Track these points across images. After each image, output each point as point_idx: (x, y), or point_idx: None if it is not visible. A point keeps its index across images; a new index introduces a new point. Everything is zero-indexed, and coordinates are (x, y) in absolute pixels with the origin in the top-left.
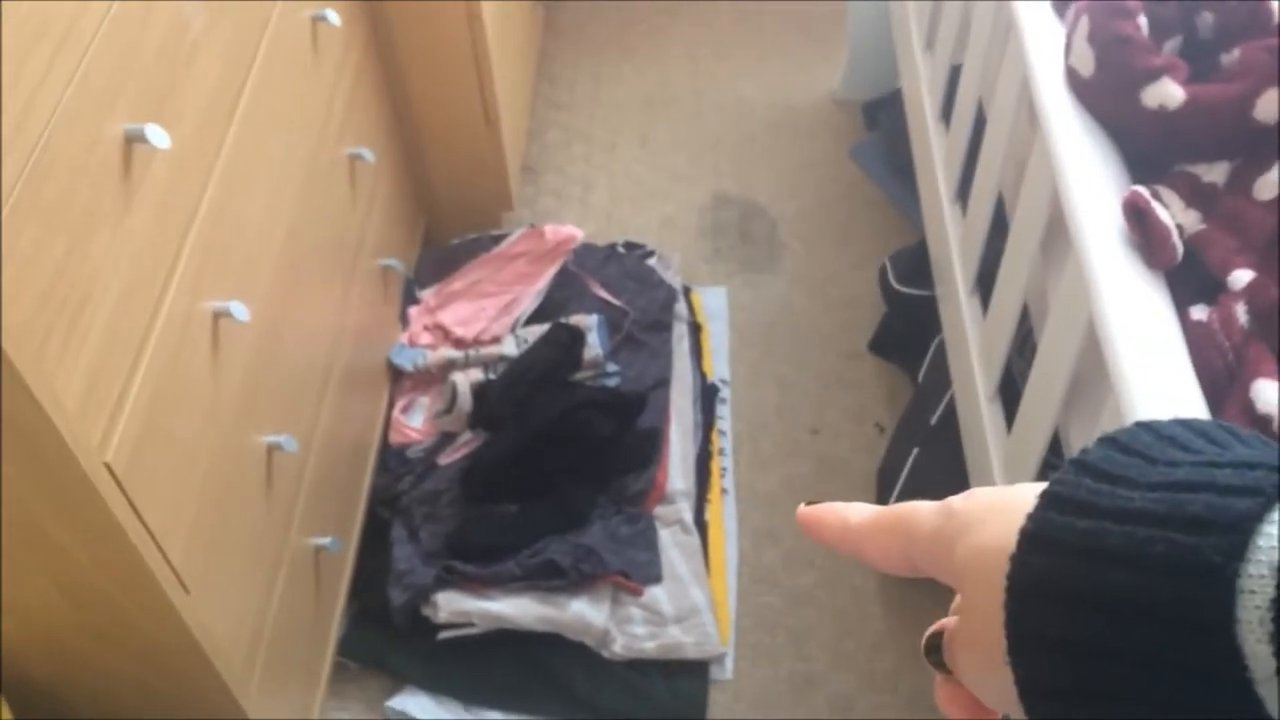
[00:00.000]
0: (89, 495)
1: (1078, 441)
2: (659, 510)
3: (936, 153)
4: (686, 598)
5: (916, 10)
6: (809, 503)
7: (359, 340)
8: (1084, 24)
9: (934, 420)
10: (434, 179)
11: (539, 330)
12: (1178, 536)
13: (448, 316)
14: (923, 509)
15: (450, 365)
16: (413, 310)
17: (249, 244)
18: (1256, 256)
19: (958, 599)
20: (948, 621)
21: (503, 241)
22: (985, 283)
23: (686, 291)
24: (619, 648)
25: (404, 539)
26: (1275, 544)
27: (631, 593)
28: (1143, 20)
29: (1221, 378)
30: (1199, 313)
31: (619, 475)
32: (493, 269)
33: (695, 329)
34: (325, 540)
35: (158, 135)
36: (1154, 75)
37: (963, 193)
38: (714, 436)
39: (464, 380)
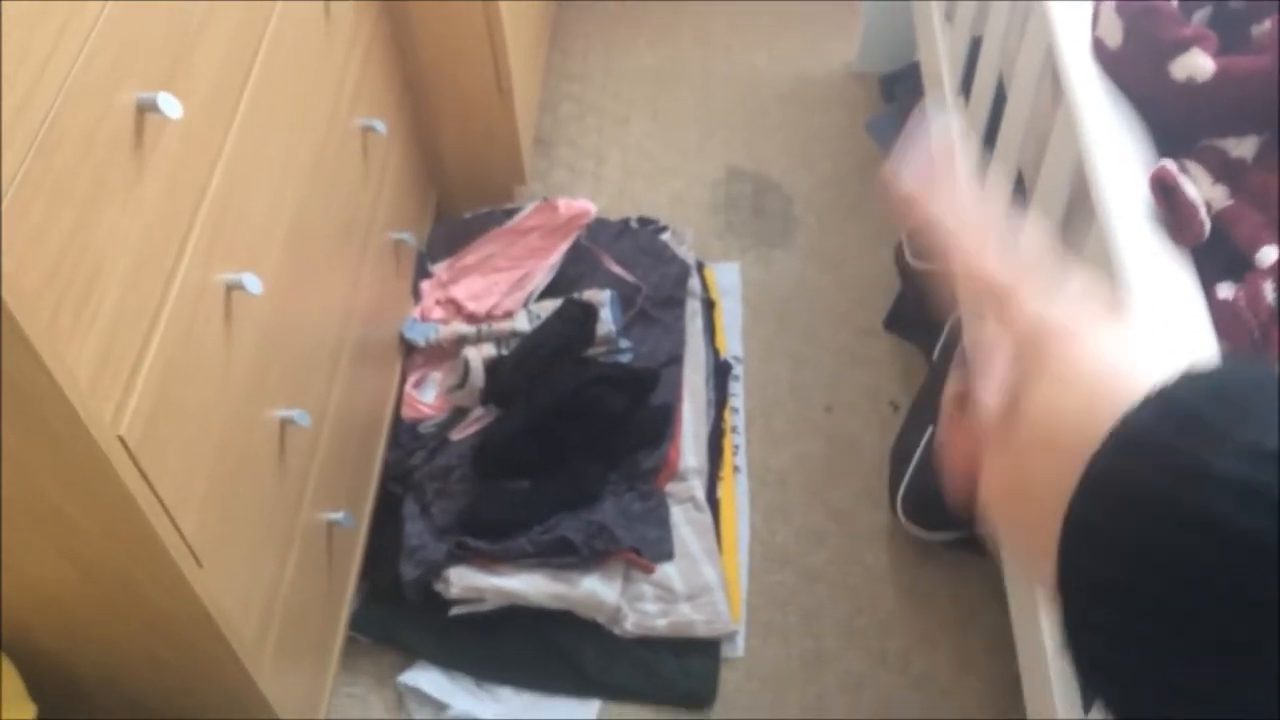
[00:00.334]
0: (102, 468)
1: None
2: (671, 487)
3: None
4: (698, 575)
5: None
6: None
7: (371, 314)
8: None
9: None
10: (446, 152)
11: (552, 305)
12: (1255, 519)
13: (460, 291)
14: (1028, 297)
15: (462, 340)
16: (425, 284)
17: (261, 217)
18: None
19: (1001, 360)
20: (977, 388)
21: (515, 215)
22: None
23: (700, 267)
24: (630, 625)
25: (416, 515)
26: None
27: (643, 570)
28: None
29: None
30: (1225, 290)
31: (631, 452)
32: (505, 243)
33: (708, 305)
34: (338, 515)
35: (170, 104)
36: (1183, 46)
37: (982, 168)
38: (726, 414)
39: (476, 355)
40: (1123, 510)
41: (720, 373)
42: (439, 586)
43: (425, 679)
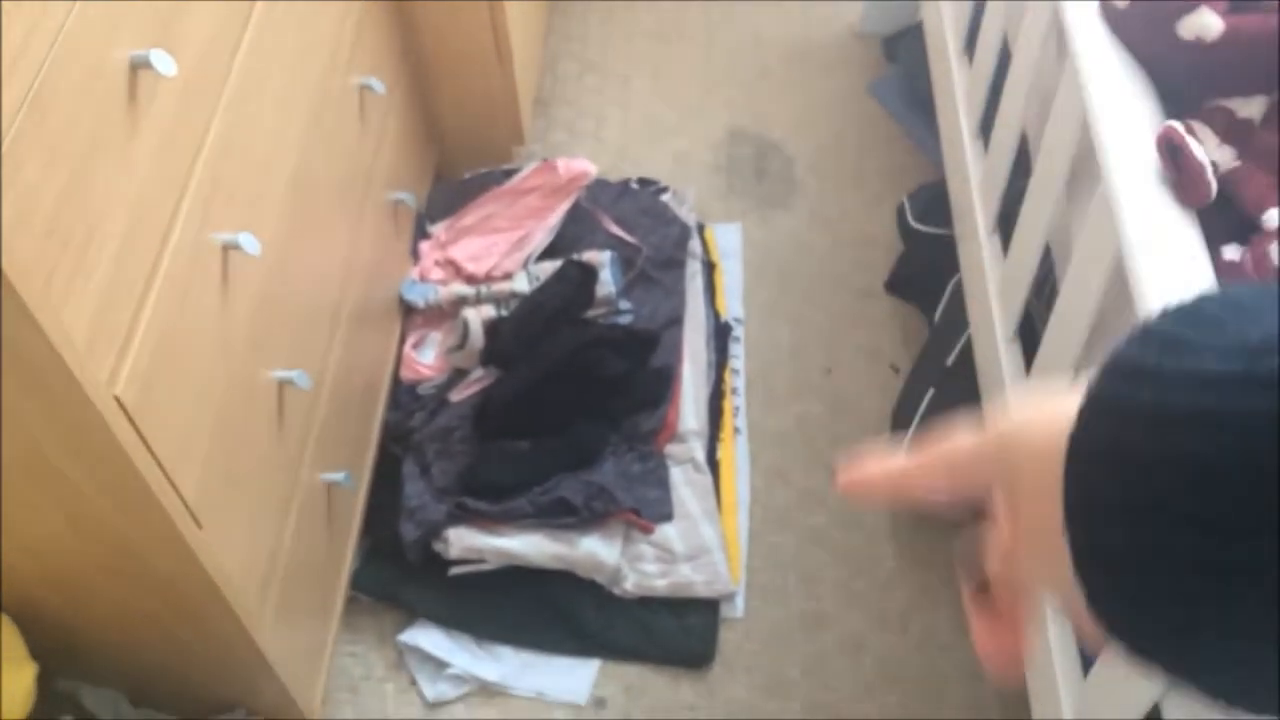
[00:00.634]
0: (99, 429)
1: None
2: (671, 449)
3: (958, 88)
4: (698, 536)
5: None
6: (838, 469)
7: (370, 275)
8: None
9: (950, 361)
10: (445, 111)
11: (551, 267)
12: (1254, 401)
13: (459, 252)
14: (958, 434)
15: (462, 301)
16: (424, 245)
17: (258, 175)
18: None
19: (995, 504)
20: (982, 533)
21: (515, 176)
22: (1005, 222)
23: (700, 228)
24: (630, 585)
25: (416, 475)
26: None
27: (643, 530)
28: None
29: None
30: (1231, 253)
31: (631, 413)
32: (505, 204)
33: (709, 267)
34: (338, 476)
35: (163, 61)
36: (1191, 4)
37: (984, 129)
38: (727, 375)
39: (476, 316)
40: (1120, 428)
41: (721, 334)
42: (439, 547)
43: (426, 638)
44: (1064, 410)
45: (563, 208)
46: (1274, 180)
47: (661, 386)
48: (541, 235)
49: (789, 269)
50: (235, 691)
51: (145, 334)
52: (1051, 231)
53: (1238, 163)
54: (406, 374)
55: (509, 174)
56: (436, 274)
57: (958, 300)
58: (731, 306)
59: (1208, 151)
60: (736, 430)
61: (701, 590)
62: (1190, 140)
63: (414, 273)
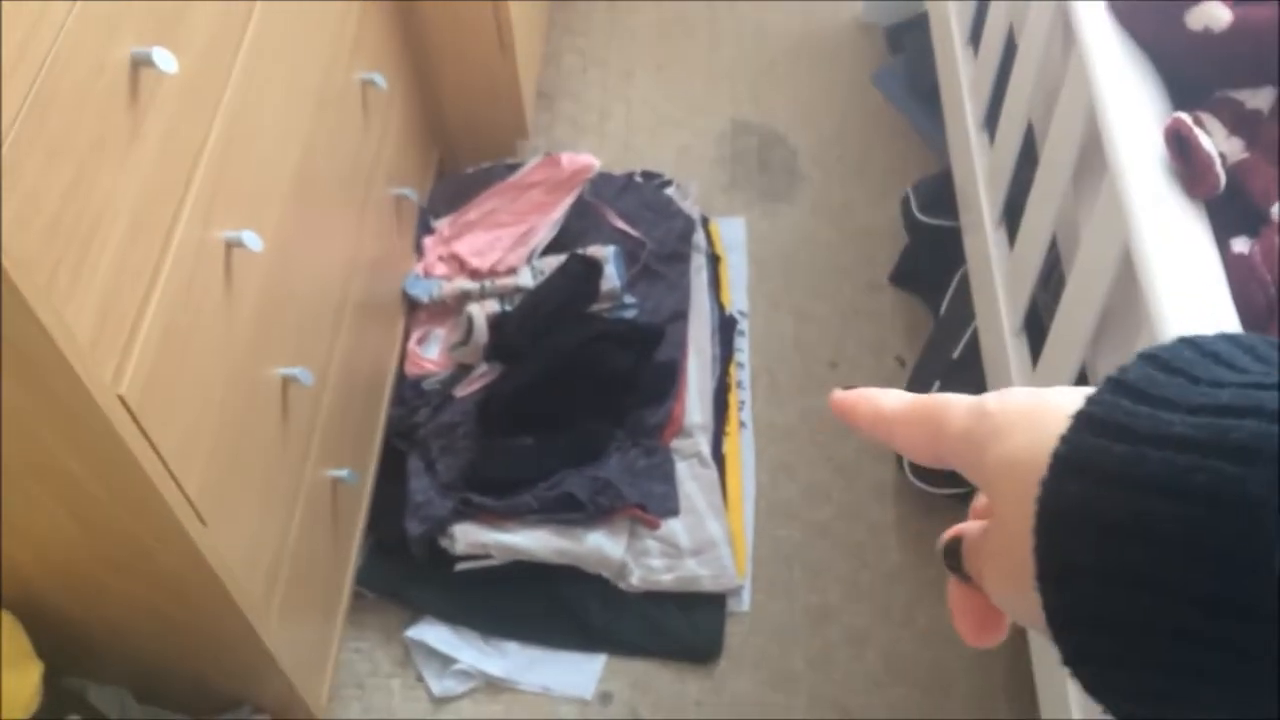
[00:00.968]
0: (103, 428)
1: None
2: (676, 443)
3: (964, 78)
4: (704, 530)
5: None
6: (845, 387)
7: (373, 271)
8: None
9: (956, 354)
10: (448, 106)
11: (555, 261)
12: (1221, 465)
13: (463, 247)
14: (955, 405)
15: (466, 296)
16: (427, 240)
17: (260, 172)
18: None
19: (979, 499)
20: (967, 527)
21: (518, 170)
22: (1012, 213)
23: (705, 222)
24: (636, 580)
25: (421, 471)
26: None
27: (649, 525)
28: None
29: (1262, 313)
30: (1240, 245)
31: (636, 408)
32: (508, 198)
33: (713, 260)
34: (342, 472)
35: (165, 59)
36: None
37: (990, 120)
38: (732, 369)
39: (480, 312)
40: (1090, 488)
41: (725, 328)
42: (444, 543)
43: (432, 634)
44: (1053, 419)
45: (566, 202)
46: None
47: (666, 381)
48: (545, 230)
49: (793, 262)
50: (241, 688)
51: (148, 332)
52: (1058, 223)
53: (1246, 154)
54: (411, 370)
55: (512, 168)
56: (440, 269)
57: (963, 292)
58: (736, 300)
59: (1216, 143)
60: (742, 424)
61: (707, 585)
62: (1198, 132)
63: (418, 268)
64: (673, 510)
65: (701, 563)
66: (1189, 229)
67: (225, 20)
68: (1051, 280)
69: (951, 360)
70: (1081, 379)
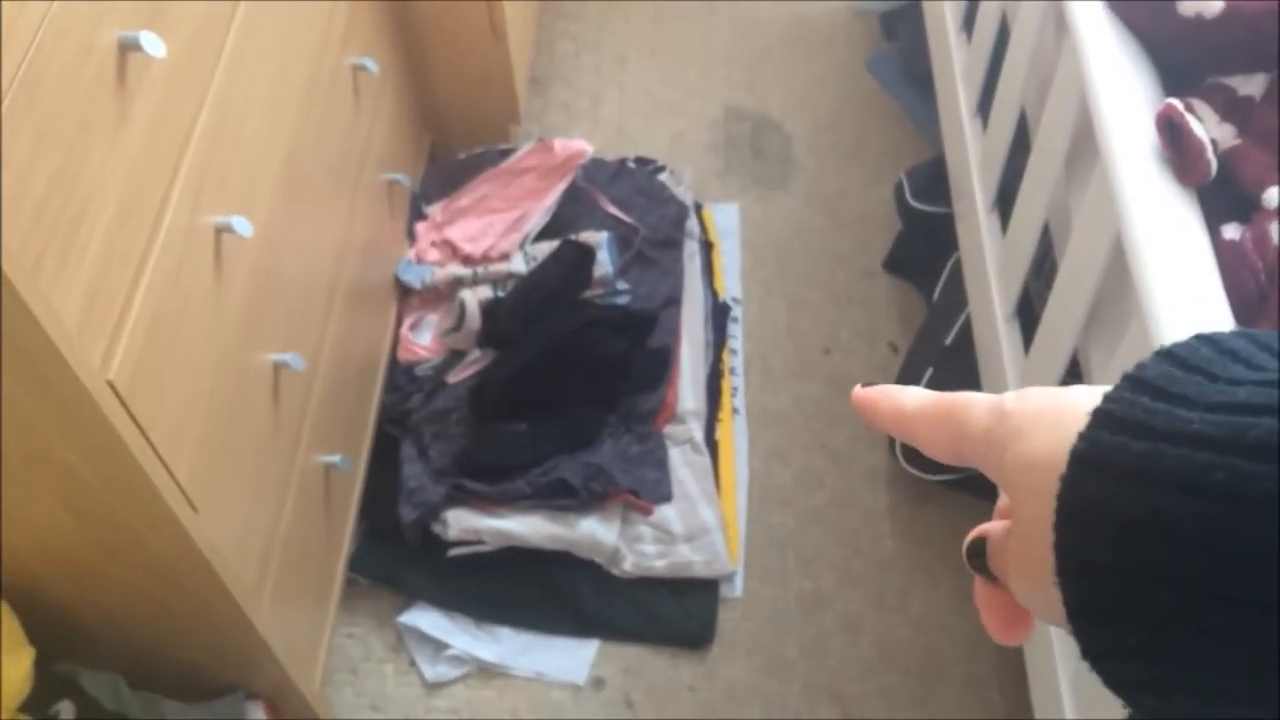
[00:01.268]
0: (92, 414)
1: (1098, 364)
2: (669, 429)
3: (957, 65)
4: (696, 517)
5: None
6: (866, 384)
7: (365, 257)
8: None
9: (949, 340)
10: (439, 91)
11: (548, 247)
12: (1238, 463)
13: (455, 233)
14: (976, 405)
15: (458, 282)
16: (420, 226)
17: (250, 158)
18: None
19: (1003, 500)
20: (991, 527)
21: (511, 156)
22: (1005, 200)
23: (698, 208)
24: (629, 566)
25: (413, 457)
26: None
27: (641, 511)
28: None
29: (1253, 299)
30: (1231, 232)
31: (629, 394)
32: (501, 184)
33: (707, 246)
34: (334, 458)
35: (152, 43)
36: None
37: (983, 107)
38: (725, 355)
39: (472, 298)
40: (1109, 486)
41: (719, 314)
42: (437, 528)
43: (425, 619)
44: (1072, 418)
45: (559, 188)
46: (1274, 159)
47: (659, 367)
48: (538, 215)
49: (787, 248)
50: (235, 673)
51: (138, 318)
52: (1051, 210)
53: (1238, 141)
54: (403, 355)
55: (505, 154)
56: (433, 255)
57: (956, 279)
58: (729, 286)
59: (1208, 129)
60: (735, 410)
61: (700, 571)
62: (1190, 118)
63: (410, 254)
64: (665, 496)
65: (694, 549)
66: (1180, 215)
67: (213, 5)
68: (1044, 267)
69: (944, 346)
70: (1073, 365)
